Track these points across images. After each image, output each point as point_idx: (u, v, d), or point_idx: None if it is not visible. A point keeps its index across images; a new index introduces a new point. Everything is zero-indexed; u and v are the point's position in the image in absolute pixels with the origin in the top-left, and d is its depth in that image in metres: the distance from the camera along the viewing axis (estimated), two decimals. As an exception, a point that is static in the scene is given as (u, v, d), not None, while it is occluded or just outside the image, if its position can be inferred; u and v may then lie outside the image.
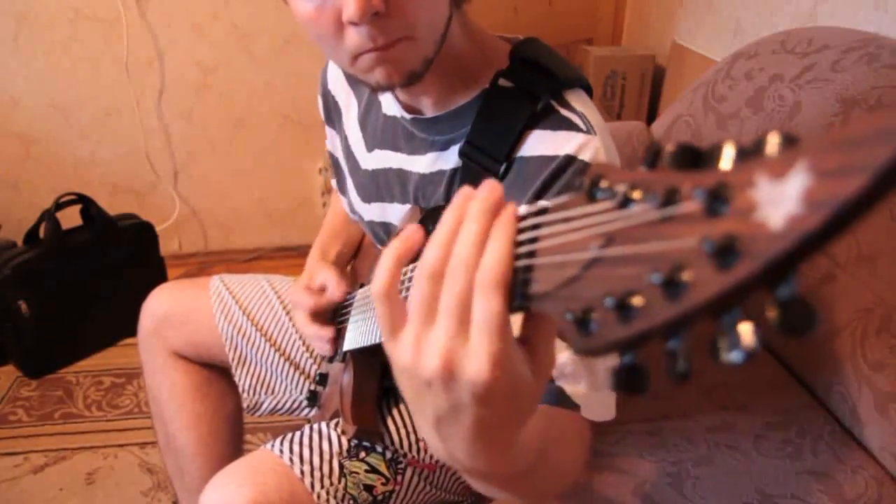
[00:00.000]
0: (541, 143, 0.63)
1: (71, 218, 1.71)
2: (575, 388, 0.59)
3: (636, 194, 0.24)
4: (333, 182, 1.03)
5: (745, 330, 0.20)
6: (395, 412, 0.80)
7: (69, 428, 1.53)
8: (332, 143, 0.93)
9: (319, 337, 0.83)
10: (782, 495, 0.81)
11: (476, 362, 0.31)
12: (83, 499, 1.35)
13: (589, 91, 0.69)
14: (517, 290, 0.31)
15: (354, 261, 1.02)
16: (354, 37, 0.59)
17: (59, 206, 1.66)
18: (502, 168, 0.64)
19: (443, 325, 0.32)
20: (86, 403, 1.61)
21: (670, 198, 0.22)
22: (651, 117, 1.95)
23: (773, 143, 0.20)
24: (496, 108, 0.66)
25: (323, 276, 0.85)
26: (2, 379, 1.69)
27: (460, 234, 0.32)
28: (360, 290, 0.81)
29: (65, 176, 1.99)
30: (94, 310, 1.75)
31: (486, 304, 0.30)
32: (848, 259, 0.91)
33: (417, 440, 0.79)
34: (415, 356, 0.33)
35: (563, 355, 0.59)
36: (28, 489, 1.37)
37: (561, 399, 0.59)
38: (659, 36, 2.01)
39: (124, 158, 2.02)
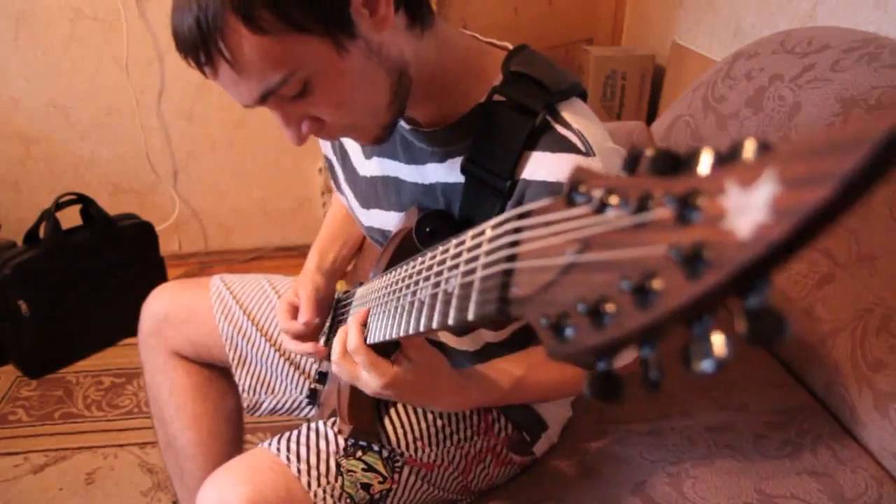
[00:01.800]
0: (542, 167, 0.63)
1: (71, 218, 1.71)
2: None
3: (612, 199, 0.24)
4: (333, 183, 1.03)
5: (717, 339, 0.20)
6: (392, 411, 0.80)
7: (69, 428, 1.53)
8: (326, 147, 0.93)
9: (305, 353, 0.84)
10: (782, 495, 0.81)
11: (372, 378, 0.62)
12: (83, 499, 1.35)
13: (584, 97, 0.69)
14: (496, 294, 0.31)
15: (356, 259, 1.01)
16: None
17: (59, 206, 1.66)
18: (507, 185, 0.64)
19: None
20: (86, 403, 1.61)
21: (643, 204, 0.22)
22: (651, 117, 1.95)
23: (749, 149, 0.20)
24: (495, 125, 0.65)
25: (301, 295, 0.85)
26: (2, 379, 1.69)
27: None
28: (360, 289, 0.81)
29: (65, 176, 1.99)
30: (94, 310, 1.75)
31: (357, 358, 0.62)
32: (848, 259, 0.91)
33: (415, 439, 0.79)
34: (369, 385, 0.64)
35: None
36: (28, 489, 1.37)
37: None
38: (659, 36, 2.01)
39: (124, 158, 2.03)
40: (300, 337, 0.84)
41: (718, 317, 0.20)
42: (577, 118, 0.65)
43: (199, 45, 0.54)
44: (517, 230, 0.30)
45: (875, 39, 0.98)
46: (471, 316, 0.34)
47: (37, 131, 1.95)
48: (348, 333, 0.62)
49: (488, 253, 0.34)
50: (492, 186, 0.65)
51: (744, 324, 0.19)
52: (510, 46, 0.71)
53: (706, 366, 0.20)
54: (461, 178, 0.68)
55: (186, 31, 0.54)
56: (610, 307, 0.22)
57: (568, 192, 0.27)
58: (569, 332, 0.24)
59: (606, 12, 2.24)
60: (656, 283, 0.21)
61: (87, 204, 1.72)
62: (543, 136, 0.64)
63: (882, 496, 0.81)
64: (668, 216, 0.21)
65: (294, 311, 0.85)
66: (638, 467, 0.86)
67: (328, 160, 0.95)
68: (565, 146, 0.63)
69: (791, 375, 1.02)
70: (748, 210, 0.18)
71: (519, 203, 0.64)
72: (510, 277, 0.30)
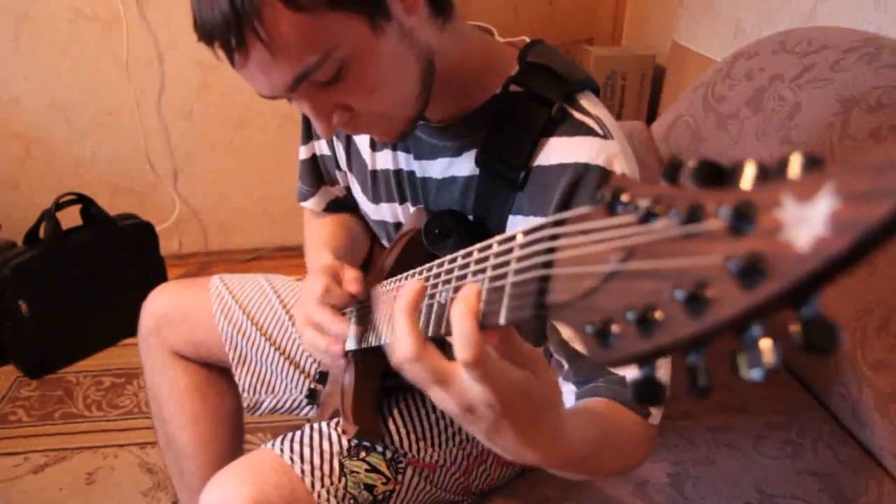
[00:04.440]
0: (559, 151, 0.62)
1: (71, 218, 1.71)
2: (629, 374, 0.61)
3: (658, 209, 0.24)
4: (307, 204, 1.01)
5: (767, 347, 0.20)
6: (395, 412, 0.80)
7: (69, 428, 1.53)
8: (321, 148, 0.93)
9: (333, 354, 0.71)
10: (782, 495, 0.81)
11: (477, 390, 0.39)
12: (83, 499, 1.35)
13: (596, 92, 0.69)
14: (532, 299, 0.31)
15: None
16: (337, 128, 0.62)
17: (59, 206, 1.66)
18: (521, 176, 0.64)
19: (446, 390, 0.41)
20: (86, 403, 1.61)
21: (694, 215, 0.22)
22: (651, 117, 1.95)
23: (795, 163, 0.20)
24: (510, 115, 0.65)
25: (349, 275, 0.72)
26: (2, 379, 1.69)
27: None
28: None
29: (65, 176, 1.99)
30: (94, 310, 1.75)
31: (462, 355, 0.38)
32: (848, 259, 0.91)
33: (418, 440, 0.79)
34: (446, 406, 0.42)
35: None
36: (28, 489, 1.37)
37: (635, 404, 0.60)
38: (659, 36, 2.01)
39: (124, 158, 2.02)
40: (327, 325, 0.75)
41: (767, 327, 0.21)
42: (595, 106, 0.65)
43: (232, 28, 0.52)
44: (554, 237, 0.31)
45: (875, 39, 0.98)
46: (502, 320, 0.35)
47: (37, 131, 1.95)
48: (457, 317, 0.38)
49: (521, 259, 0.34)
50: (505, 178, 0.65)
51: (800, 333, 0.19)
52: (527, 40, 0.71)
53: (755, 374, 0.21)
54: (477, 172, 0.67)
55: (218, 15, 0.52)
56: (659, 315, 0.23)
57: (610, 201, 0.27)
58: (613, 338, 0.25)
59: (606, 12, 2.24)
60: (709, 293, 0.21)
61: (87, 204, 1.72)
62: (561, 124, 0.63)
63: (882, 496, 0.81)
64: (720, 227, 0.21)
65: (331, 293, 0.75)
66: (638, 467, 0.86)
67: (318, 157, 0.95)
68: (583, 130, 0.62)
69: (791, 376, 1.02)
70: (807, 223, 0.19)
71: (537, 192, 0.63)
72: (546, 284, 0.30)
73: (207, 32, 0.54)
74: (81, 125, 1.96)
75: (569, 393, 0.64)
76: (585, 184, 0.61)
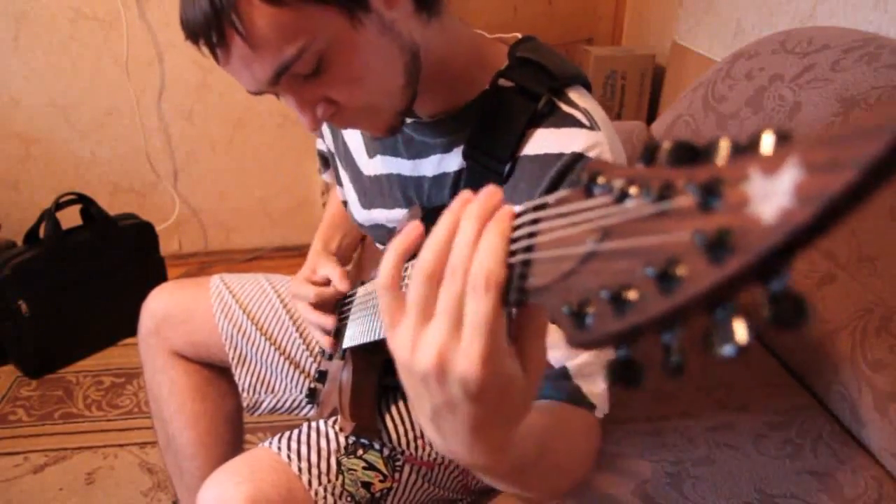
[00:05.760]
0: (545, 142, 0.63)
1: (71, 218, 1.71)
2: (592, 388, 0.60)
3: (632, 189, 0.24)
4: (325, 176, 1.04)
5: (739, 324, 0.20)
6: (393, 409, 0.80)
7: (69, 428, 1.53)
8: (326, 139, 0.93)
9: (321, 324, 0.84)
10: (782, 495, 0.81)
11: (466, 360, 0.32)
12: (83, 499, 1.35)
13: (588, 88, 0.69)
14: (514, 284, 0.31)
15: (360, 255, 1.01)
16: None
17: (59, 206, 1.66)
18: (507, 168, 0.64)
19: (438, 324, 0.33)
20: (86, 403, 1.61)
21: (664, 193, 0.22)
22: (651, 117, 1.95)
23: (767, 139, 0.20)
24: (498, 108, 0.65)
25: (327, 270, 0.86)
26: (2, 379, 1.69)
27: (457, 235, 0.33)
28: (361, 288, 0.81)
29: (65, 176, 1.99)
30: (94, 310, 1.75)
31: (479, 305, 0.31)
32: (848, 259, 0.91)
33: (416, 437, 0.79)
34: (412, 353, 0.34)
35: (583, 356, 0.59)
36: (28, 489, 1.37)
37: (576, 398, 0.59)
38: (659, 36, 2.01)
39: (124, 158, 2.03)
40: (323, 308, 0.85)
41: (739, 303, 0.21)
42: (584, 99, 0.65)
43: (213, 24, 0.54)
44: (535, 221, 0.31)
45: (875, 39, 0.98)
46: None
47: (37, 131, 1.95)
48: (473, 288, 0.32)
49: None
50: (492, 171, 0.65)
51: (767, 308, 0.19)
52: (519, 36, 0.71)
53: (728, 350, 0.20)
54: (465, 166, 0.68)
55: (199, 12, 0.54)
56: (632, 294, 0.23)
57: (587, 183, 0.27)
58: (590, 319, 0.25)
59: (606, 12, 2.24)
60: (680, 269, 0.21)
61: (87, 204, 1.72)
62: (548, 116, 0.63)
63: (882, 496, 0.81)
64: (690, 204, 0.21)
65: (318, 281, 0.86)
66: (638, 467, 0.86)
67: (324, 153, 0.96)
68: (569, 122, 0.63)
69: (791, 375, 1.02)
70: (772, 196, 0.19)
71: (522, 181, 0.64)
72: (528, 268, 0.30)
73: (192, 31, 0.56)
74: (81, 125, 1.96)
75: None
76: (573, 174, 0.61)
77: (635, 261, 0.23)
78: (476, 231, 0.32)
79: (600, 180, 0.26)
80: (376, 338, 0.64)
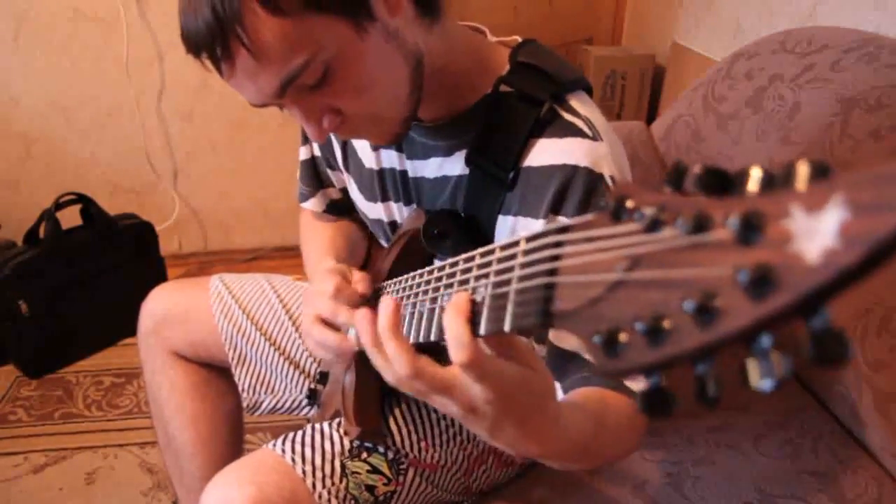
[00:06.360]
0: (547, 153, 0.63)
1: (71, 218, 1.71)
2: (633, 385, 0.61)
3: (664, 217, 0.24)
4: (300, 193, 1.01)
5: (777, 358, 0.20)
6: (397, 413, 0.80)
7: (69, 428, 1.53)
8: (317, 148, 0.93)
9: (344, 348, 0.69)
10: (782, 495, 0.81)
11: (477, 389, 0.41)
12: (83, 499, 1.35)
13: (589, 91, 0.69)
14: (537, 307, 0.31)
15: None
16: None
17: (59, 206, 1.66)
18: (510, 176, 0.64)
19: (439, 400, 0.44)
20: (86, 403, 1.61)
21: (701, 224, 0.22)
22: (651, 117, 1.95)
23: (802, 171, 0.20)
24: (500, 115, 0.65)
25: (357, 275, 0.73)
26: (2, 379, 1.69)
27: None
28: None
29: (65, 176, 1.99)
30: (94, 310, 1.74)
31: (388, 348, 0.44)
32: (848, 259, 0.91)
33: (419, 440, 0.79)
34: (448, 409, 0.44)
35: None
36: (28, 489, 1.37)
37: (621, 388, 0.61)
38: (659, 36, 2.01)
39: (124, 158, 2.02)
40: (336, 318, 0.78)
41: (778, 338, 0.21)
42: (585, 107, 0.65)
43: (217, 36, 0.53)
44: (558, 244, 0.31)
45: (875, 39, 0.98)
46: (507, 327, 0.35)
47: (37, 131, 1.95)
48: (449, 323, 0.40)
49: (524, 266, 0.34)
50: (495, 178, 0.65)
51: (809, 346, 0.19)
52: (520, 39, 0.71)
53: (766, 385, 0.20)
54: (467, 171, 0.68)
55: (202, 25, 0.53)
56: (667, 325, 0.23)
57: (614, 208, 0.27)
58: (622, 348, 0.25)
59: (606, 12, 2.24)
60: (718, 303, 0.21)
61: (87, 204, 1.72)
62: (550, 124, 0.63)
63: (882, 496, 0.81)
64: (728, 237, 0.21)
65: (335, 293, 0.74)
66: (638, 467, 0.86)
67: (313, 159, 0.95)
68: (571, 131, 0.63)
69: (791, 375, 1.02)
70: (816, 235, 0.19)
71: (527, 193, 0.64)
72: (552, 291, 0.30)
73: (194, 44, 0.55)
74: (81, 125, 1.96)
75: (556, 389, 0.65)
76: (574, 186, 0.61)
77: (670, 292, 0.23)
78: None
79: (629, 204, 0.26)
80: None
